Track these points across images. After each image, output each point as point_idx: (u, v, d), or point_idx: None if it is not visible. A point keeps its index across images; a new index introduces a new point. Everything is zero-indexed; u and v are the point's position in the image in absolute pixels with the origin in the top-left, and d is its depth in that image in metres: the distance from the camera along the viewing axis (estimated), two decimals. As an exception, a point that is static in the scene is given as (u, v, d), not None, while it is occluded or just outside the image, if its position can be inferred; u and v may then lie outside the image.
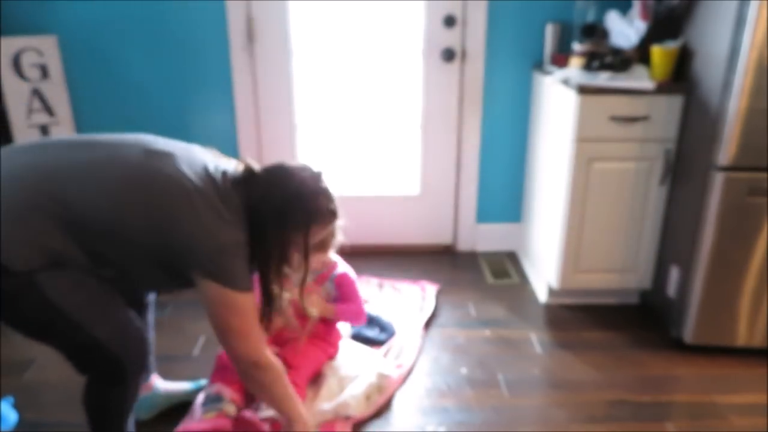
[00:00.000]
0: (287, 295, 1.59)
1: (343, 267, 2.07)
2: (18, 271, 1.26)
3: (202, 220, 1.35)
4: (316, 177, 1.51)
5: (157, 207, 1.34)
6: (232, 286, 1.39)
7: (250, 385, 1.57)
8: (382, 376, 1.94)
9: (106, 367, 1.43)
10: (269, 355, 1.51)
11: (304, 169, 1.51)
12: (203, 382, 1.92)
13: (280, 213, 1.43)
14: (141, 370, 1.51)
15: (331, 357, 2.01)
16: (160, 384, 1.85)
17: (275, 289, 1.50)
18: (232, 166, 1.49)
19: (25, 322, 1.36)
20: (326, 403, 1.82)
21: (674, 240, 2.24)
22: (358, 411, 1.82)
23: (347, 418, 1.79)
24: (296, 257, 1.51)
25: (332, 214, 1.54)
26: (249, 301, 1.43)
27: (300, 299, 1.64)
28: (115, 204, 1.32)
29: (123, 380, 1.47)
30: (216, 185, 1.40)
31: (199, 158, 1.45)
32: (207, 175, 1.40)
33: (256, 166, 1.49)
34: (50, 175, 1.31)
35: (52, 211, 1.28)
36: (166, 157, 1.39)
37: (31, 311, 1.33)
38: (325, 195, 1.50)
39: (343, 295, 2.05)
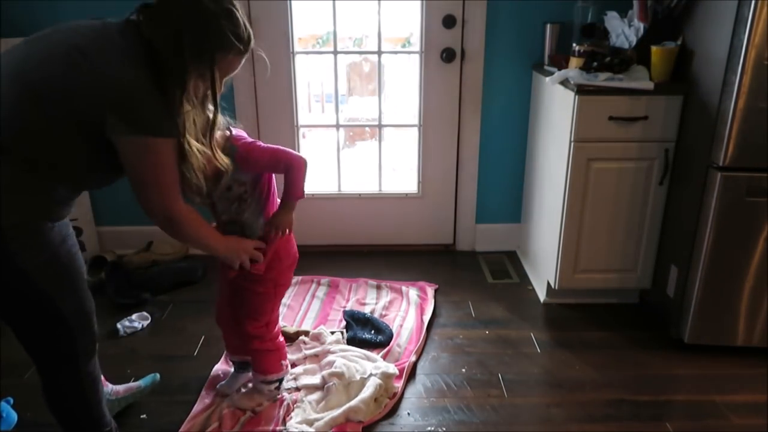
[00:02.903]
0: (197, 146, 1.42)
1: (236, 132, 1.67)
2: None
3: (96, 68, 1.23)
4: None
5: (52, 78, 1.25)
6: (150, 131, 1.28)
7: (169, 234, 1.47)
8: (386, 376, 1.94)
9: (61, 345, 1.41)
10: (183, 207, 1.42)
11: None
12: (157, 376, 1.92)
13: (176, 39, 1.29)
14: (93, 349, 1.49)
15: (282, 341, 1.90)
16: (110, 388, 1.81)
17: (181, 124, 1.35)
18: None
19: None
20: (336, 410, 1.81)
21: (673, 240, 2.25)
22: (369, 415, 1.82)
23: (359, 422, 1.79)
24: (201, 89, 1.38)
25: (238, 41, 1.38)
26: (168, 148, 1.32)
27: (210, 148, 1.45)
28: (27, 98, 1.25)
29: (74, 359, 1.44)
30: (102, 31, 1.30)
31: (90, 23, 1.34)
32: (92, 27, 1.31)
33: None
34: None
35: None
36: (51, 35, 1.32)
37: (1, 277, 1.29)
38: (227, 18, 1.34)
39: (258, 168, 1.65)
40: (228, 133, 1.62)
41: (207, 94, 1.40)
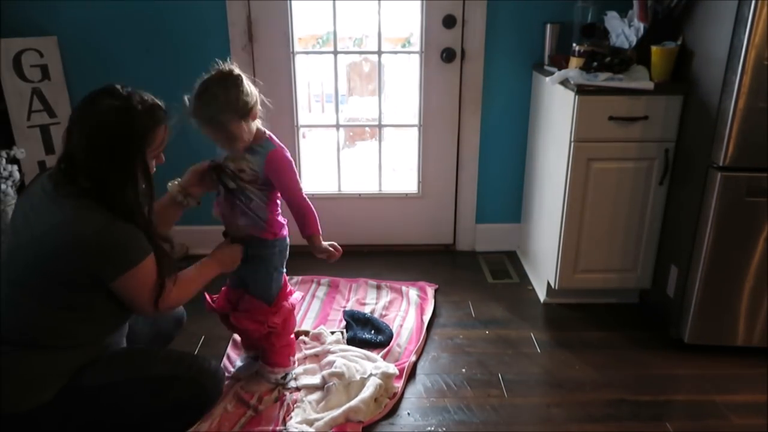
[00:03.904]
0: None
1: (276, 141, 1.80)
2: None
3: (65, 230, 1.33)
4: (113, 94, 1.38)
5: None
6: (129, 265, 1.38)
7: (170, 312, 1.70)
8: (386, 376, 1.94)
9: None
10: (166, 293, 1.49)
11: (99, 95, 1.38)
12: None
13: (101, 170, 1.36)
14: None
15: (294, 303, 1.97)
16: None
17: (143, 212, 1.44)
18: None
19: None
20: (336, 410, 1.82)
21: (673, 240, 2.25)
22: (369, 415, 1.82)
23: (359, 422, 1.79)
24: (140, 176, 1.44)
25: (155, 113, 1.42)
26: (148, 264, 1.42)
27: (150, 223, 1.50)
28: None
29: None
30: (48, 190, 1.39)
31: (34, 191, 1.43)
32: (42, 192, 1.40)
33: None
34: None
35: None
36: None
37: None
38: (133, 107, 1.37)
39: (275, 180, 1.77)
40: (267, 133, 1.79)
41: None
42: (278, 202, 1.86)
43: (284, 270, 1.95)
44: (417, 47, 2.74)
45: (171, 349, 1.55)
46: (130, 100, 1.38)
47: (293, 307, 1.97)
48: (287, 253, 1.93)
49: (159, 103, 1.45)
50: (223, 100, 1.63)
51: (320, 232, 1.87)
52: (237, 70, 1.67)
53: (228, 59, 1.70)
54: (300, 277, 2.67)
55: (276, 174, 1.76)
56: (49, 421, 1.38)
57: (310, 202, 1.84)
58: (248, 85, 1.67)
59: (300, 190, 1.81)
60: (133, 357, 1.53)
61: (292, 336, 2.02)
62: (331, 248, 1.89)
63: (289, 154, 1.79)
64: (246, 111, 1.66)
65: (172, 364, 1.50)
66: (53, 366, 1.39)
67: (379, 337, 2.21)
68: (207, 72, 1.68)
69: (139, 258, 1.40)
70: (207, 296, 1.93)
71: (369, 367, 1.98)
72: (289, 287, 2.00)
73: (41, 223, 1.36)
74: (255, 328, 1.87)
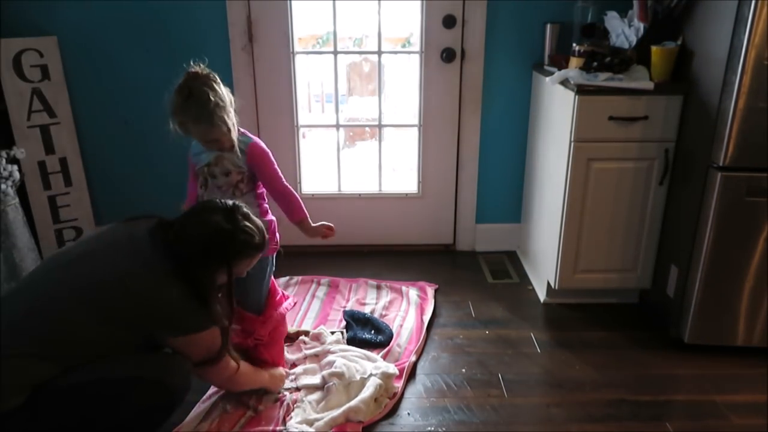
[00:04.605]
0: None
1: (250, 134, 1.87)
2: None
3: (142, 292, 1.44)
4: (231, 214, 1.54)
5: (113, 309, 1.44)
6: (195, 330, 1.51)
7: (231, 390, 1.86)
8: (386, 376, 1.94)
9: None
10: (232, 364, 1.68)
11: (220, 208, 1.55)
12: None
13: (202, 254, 1.50)
14: None
15: (285, 311, 1.98)
16: None
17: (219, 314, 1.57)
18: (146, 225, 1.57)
19: None
20: (336, 410, 1.82)
21: (673, 240, 2.25)
22: (369, 415, 1.82)
23: (359, 422, 1.79)
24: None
25: (253, 249, 1.58)
26: (213, 335, 1.55)
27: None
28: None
29: None
30: (137, 249, 1.50)
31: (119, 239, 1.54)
32: (132, 248, 1.50)
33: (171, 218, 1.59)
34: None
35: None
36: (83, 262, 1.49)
37: None
38: (243, 232, 1.53)
39: (258, 171, 1.83)
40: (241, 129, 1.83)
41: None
42: (265, 199, 1.89)
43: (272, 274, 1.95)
44: (417, 47, 2.74)
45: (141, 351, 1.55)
46: (236, 229, 1.53)
47: (283, 316, 1.96)
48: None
49: (257, 241, 1.58)
50: (213, 97, 1.66)
51: (308, 214, 1.91)
52: (207, 69, 1.73)
53: (196, 61, 1.74)
54: (300, 277, 2.67)
55: (259, 164, 1.81)
56: (17, 423, 1.36)
57: (291, 188, 1.88)
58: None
59: (281, 177, 1.86)
60: (102, 358, 1.49)
61: (282, 341, 2.02)
62: (323, 228, 1.93)
63: (264, 144, 1.86)
64: (232, 104, 1.73)
65: (138, 364, 1.49)
66: (38, 374, 1.38)
67: (379, 337, 2.21)
68: (178, 77, 1.70)
69: (199, 326, 1.52)
70: None
71: (369, 367, 1.98)
72: (281, 292, 1.99)
73: (130, 263, 1.47)
74: (240, 341, 1.87)
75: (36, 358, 1.38)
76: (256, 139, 1.84)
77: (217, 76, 1.72)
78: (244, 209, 1.58)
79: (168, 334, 1.50)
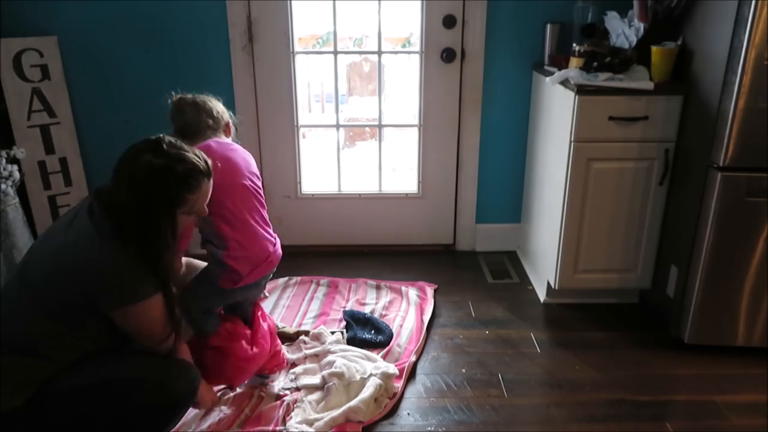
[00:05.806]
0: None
1: None
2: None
3: (79, 257, 1.36)
4: (159, 147, 1.39)
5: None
6: (136, 299, 1.39)
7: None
8: (386, 376, 1.94)
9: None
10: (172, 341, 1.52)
11: (144, 146, 1.40)
12: None
13: (143, 203, 1.37)
14: None
15: (240, 331, 1.83)
16: None
17: (165, 265, 1.45)
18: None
19: None
20: (336, 410, 1.82)
21: (673, 240, 2.25)
22: (369, 415, 1.82)
23: (359, 422, 1.79)
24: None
25: (198, 176, 1.43)
26: (156, 303, 1.42)
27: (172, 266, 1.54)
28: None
29: None
30: (77, 223, 1.41)
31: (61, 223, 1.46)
32: (69, 224, 1.42)
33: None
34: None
35: None
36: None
37: None
38: (179, 161, 1.39)
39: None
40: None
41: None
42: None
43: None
44: (417, 47, 2.74)
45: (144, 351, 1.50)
46: (170, 160, 1.39)
47: (236, 334, 1.80)
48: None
49: (201, 167, 1.44)
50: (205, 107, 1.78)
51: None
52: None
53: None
54: (299, 278, 2.67)
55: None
56: (19, 424, 1.36)
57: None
58: None
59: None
60: (104, 358, 1.46)
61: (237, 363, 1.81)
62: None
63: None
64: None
65: (140, 365, 1.46)
66: (31, 373, 1.37)
67: (379, 337, 2.21)
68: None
69: (142, 296, 1.40)
70: None
71: (369, 367, 1.98)
72: (266, 326, 1.89)
73: (65, 239, 1.39)
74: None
75: (17, 356, 1.37)
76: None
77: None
78: (170, 138, 1.43)
79: (104, 305, 1.38)
